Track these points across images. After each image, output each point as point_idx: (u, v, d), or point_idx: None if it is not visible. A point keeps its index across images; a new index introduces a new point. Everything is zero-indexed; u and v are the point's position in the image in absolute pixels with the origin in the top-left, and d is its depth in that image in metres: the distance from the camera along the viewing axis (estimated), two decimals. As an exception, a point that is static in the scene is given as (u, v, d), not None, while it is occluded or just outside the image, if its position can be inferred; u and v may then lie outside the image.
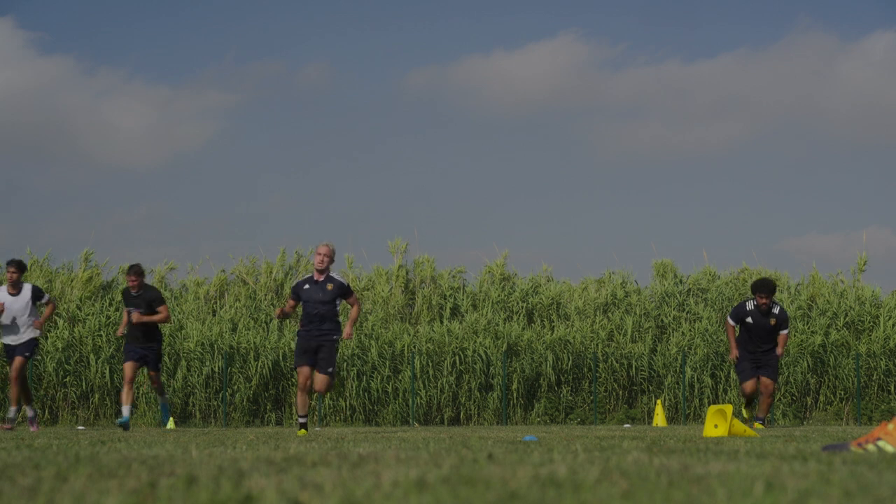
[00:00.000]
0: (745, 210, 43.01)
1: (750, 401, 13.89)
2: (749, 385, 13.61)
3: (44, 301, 14.09)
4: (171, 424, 21.14)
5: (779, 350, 13.63)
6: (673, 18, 43.62)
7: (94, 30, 43.06)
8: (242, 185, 43.10)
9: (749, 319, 13.55)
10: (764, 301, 13.44)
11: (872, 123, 43.45)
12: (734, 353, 13.65)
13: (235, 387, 24.24)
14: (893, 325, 26.19)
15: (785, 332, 13.78)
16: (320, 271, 11.33)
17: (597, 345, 25.99)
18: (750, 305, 13.60)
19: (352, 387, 24.23)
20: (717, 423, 8.88)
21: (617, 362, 25.60)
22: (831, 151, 43.54)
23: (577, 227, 42.58)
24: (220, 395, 24.16)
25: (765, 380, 13.63)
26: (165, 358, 24.40)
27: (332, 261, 11.47)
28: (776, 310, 13.61)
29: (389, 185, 43.16)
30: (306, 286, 11.34)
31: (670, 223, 41.83)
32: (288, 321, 26.81)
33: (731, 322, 13.81)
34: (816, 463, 3.62)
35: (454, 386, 24.71)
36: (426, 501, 2.37)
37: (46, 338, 25.01)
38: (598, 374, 25.35)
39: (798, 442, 6.38)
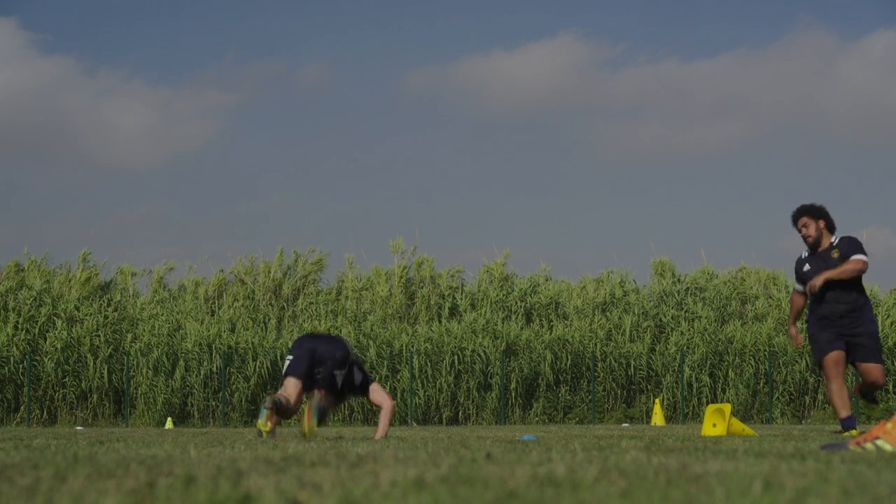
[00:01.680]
0: (745, 210, 43.08)
1: (840, 387, 9.32)
2: (831, 357, 9.28)
3: None
4: (169, 424, 21.15)
5: (843, 268, 9.25)
6: (672, 18, 43.67)
7: (94, 30, 43.09)
8: (242, 185, 43.15)
9: (807, 267, 9.51)
10: (808, 230, 9.43)
11: (872, 123, 43.51)
12: (791, 329, 9.85)
13: (234, 387, 24.21)
14: (892, 325, 26.18)
15: (858, 256, 9.34)
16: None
17: (595, 344, 25.98)
18: (804, 253, 9.64)
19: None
20: (716, 422, 8.88)
21: (615, 361, 25.59)
22: (831, 151, 43.61)
23: (577, 226, 42.63)
24: (219, 395, 24.15)
25: (868, 366, 9.35)
26: (164, 358, 24.36)
27: None
28: (835, 239, 9.44)
29: (389, 185, 43.21)
30: None
31: (669, 223, 41.88)
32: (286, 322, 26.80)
33: (797, 288, 9.76)
34: (815, 462, 3.62)
35: (453, 385, 24.69)
36: (425, 501, 2.37)
37: (45, 338, 25.00)
38: (596, 374, 25.34)
39: (796, 441, 6.38)
